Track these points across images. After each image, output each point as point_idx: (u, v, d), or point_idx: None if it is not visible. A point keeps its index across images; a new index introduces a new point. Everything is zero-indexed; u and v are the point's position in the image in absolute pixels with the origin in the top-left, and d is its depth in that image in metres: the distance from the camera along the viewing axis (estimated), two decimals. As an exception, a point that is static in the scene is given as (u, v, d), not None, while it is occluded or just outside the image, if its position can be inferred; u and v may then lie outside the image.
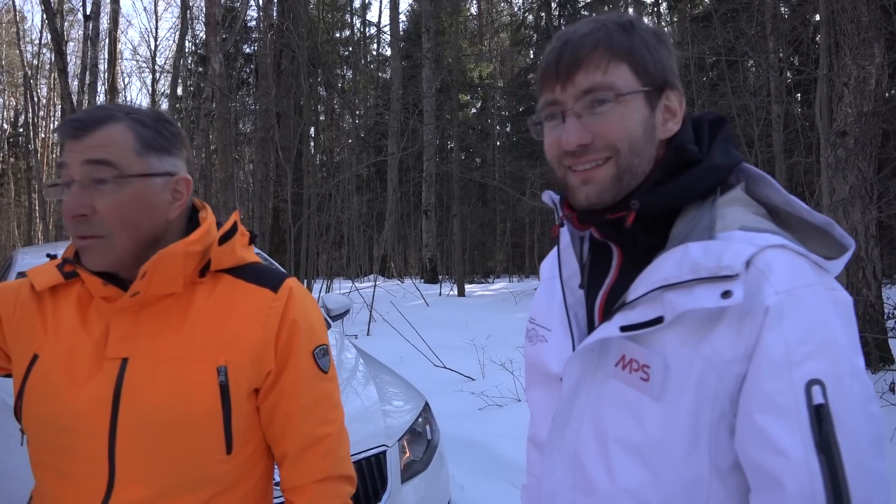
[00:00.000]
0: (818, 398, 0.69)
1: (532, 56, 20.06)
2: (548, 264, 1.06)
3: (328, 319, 3.76)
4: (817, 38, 9.99)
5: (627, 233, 0.87)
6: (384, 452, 2.39)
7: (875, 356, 5.50)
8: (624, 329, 0.81)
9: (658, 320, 0.79)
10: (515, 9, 22.60)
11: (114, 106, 1.07)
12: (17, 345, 1.10)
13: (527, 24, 18.41)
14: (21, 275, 3.13)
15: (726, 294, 0.74)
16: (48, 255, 1.21)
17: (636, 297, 0.81)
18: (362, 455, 2.32)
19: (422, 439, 2.68)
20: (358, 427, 2.46)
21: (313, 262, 11.94)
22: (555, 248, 1.02)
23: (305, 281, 9.96)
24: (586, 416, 0.87)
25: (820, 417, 0.69)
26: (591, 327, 0.92)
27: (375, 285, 10.43)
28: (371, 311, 9.13)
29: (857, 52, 5.66)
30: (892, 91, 10.28)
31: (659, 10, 21.28)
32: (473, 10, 26.55)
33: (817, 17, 10.85)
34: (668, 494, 0.80)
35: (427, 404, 2.88)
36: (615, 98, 0.85)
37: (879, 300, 5.88)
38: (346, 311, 4.13)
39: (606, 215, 0.87)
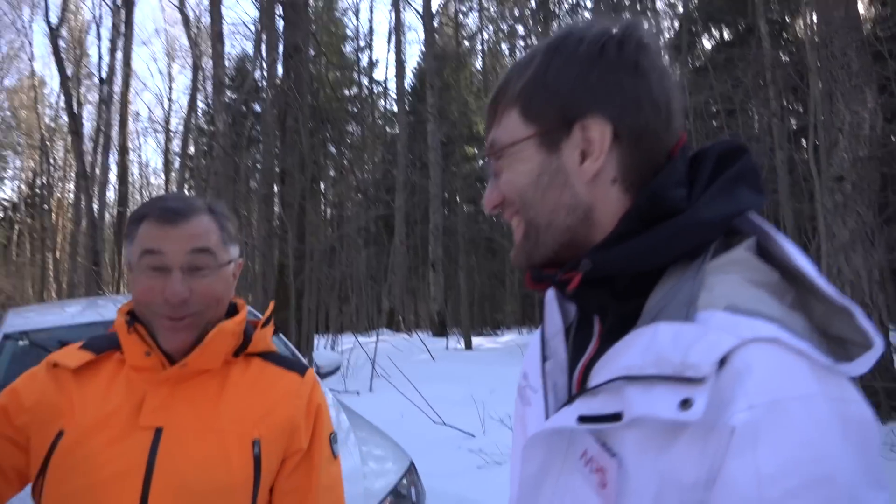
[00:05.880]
0: None
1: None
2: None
3: (318, 377, 3.71)
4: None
5: (592, 298, 0.71)
6: (361, 518, 2.30)
7: (886, 406, 5.35)
8: (582, 420, 0.64)
9: (617, 416, 0.61)
10: (519, 63, 23.00)
11: (191, 197, 1.18)
12: (38, 425, 1.09)
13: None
14: (7, 337, 3.15)
15: (685, 403, 0.55)
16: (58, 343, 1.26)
17: (597, 384, 0.64)
18: (336, 521, 2.24)
19: (406, 502, 2.59)
20: (333, 491, 2.38)
21: (314, 318, 11.90)
22: None
23: (307, 337, 9.91)
24: None
25: None
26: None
27: (378, 340, 10.35)
28: (374, 367, 9.04)
29: (850, 97, 5.70)
30: (893, 136, 10.28)
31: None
32: (478, 64, 27.13)
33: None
34: None
35: (412, 464, 2.79)
36: (503, 153, 0.73)
37: (889, 347, 5.76)
38: (337, 369, 4.08)
39: (558, 275, 0.71)
